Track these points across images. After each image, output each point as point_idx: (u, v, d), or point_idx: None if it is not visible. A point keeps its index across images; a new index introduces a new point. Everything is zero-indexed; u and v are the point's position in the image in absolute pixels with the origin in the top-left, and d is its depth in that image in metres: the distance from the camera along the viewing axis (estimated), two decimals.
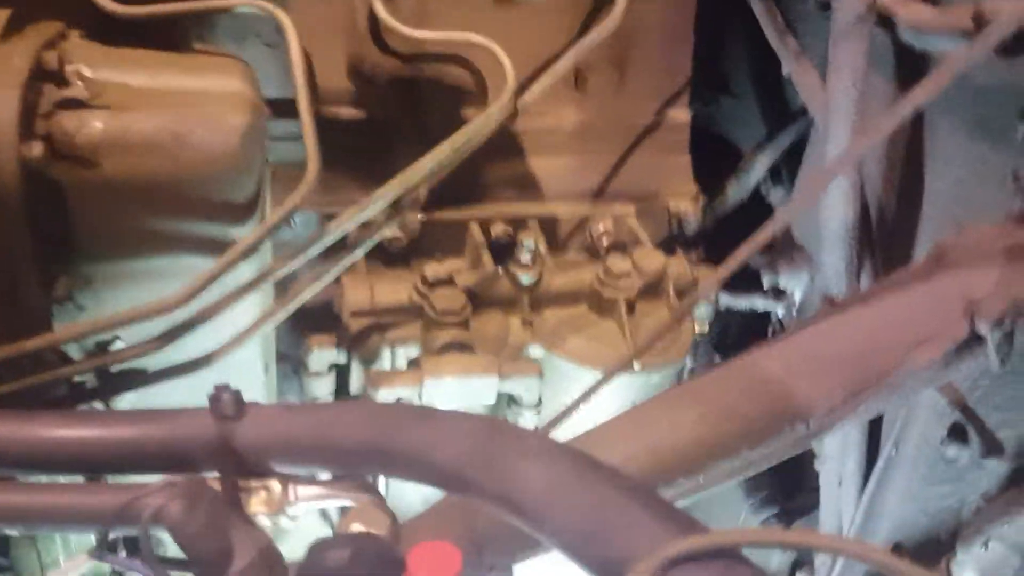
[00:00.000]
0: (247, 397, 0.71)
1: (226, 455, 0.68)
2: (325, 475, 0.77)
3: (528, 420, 1.02)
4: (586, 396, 0.88)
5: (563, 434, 0.84)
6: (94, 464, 0.70)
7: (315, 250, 0.85)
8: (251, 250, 0.78)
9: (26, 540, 0.93)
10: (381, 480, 1.04)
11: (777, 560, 1.13)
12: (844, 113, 0.95)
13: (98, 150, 0.73)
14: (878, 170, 1.03)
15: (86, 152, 0.73)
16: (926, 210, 0.98)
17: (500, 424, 0.59)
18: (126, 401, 0.86)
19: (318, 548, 0.60)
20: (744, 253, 0.84)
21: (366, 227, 0.95)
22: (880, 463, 1.00)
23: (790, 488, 1.16)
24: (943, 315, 0.75)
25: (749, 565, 0.44)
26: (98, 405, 0.82)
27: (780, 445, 0.74)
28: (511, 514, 0.55)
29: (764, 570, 0.44)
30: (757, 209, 1.30)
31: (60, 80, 0.74)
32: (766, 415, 0.74)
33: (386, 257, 1.13)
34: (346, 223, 0.85)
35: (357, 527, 0.64)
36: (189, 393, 0.72)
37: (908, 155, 1.01)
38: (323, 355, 1.00)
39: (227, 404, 0.68)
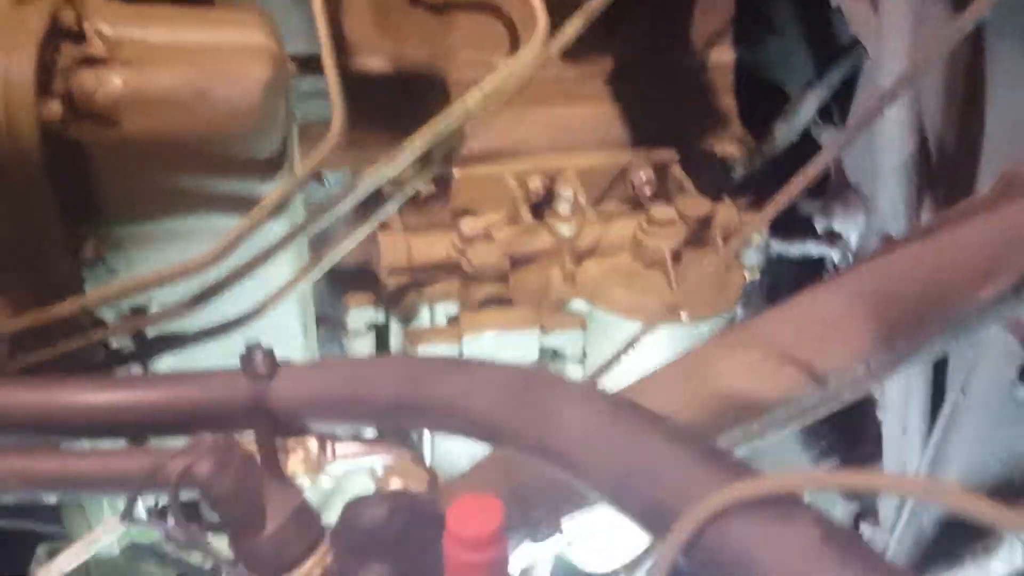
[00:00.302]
0: (287, 358, 0.69)
1: (260, 415, 0.66)
2: (368, 433, 0.75)
3: (573, 373, 0.99)
4: (630, 346, 0.84)
5: (609, 387, 0.81)
6: (128, 428, 0.69)
7: (346, 205, 0.82)
8: (279, 207, 0.76)
9: (76, 506, 0.93)
10: (427, 438, 1.03)
11: (840, 511, 1.09)
12: (898, 39, 0.89)
13: (118, 108, 0.71)
14: (936, 99, 0.97)
15: (106, 110, 0.71)
16: (989, 139, 0.92)
17: (535, 372, 0.56)
18: (165, 365, 0.85)
19: (354, 506, 0.58)
20: (794, 188, 0.80)
21: (399, 183, 0.92)
22: (947, 408, 0.95)
23: (851, 438, 1.12)
24: (1011, 245, 0.69)
25: (809, 510, 0.40)
26: (136, 370, 0.81)
27: (838, 389, 0.70)
28: (550, 463, 0.52)
29: (827, 515, 0.40)
30: (808, 152, 1.24)
31: (78, 37, 0.72)
32: (823, 357, 0.70)
33: (423, 213, 1.10)
34: (376, 176, 0.82)
35: (395, 484, 0.62)
36: (228, 355, 0.71)
37: (968, 83, 0.95)
38: (361, 314, 0.98)
39: (259, 363, 0.66)
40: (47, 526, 1.11)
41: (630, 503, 0.46)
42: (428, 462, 1.03)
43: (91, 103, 0.71)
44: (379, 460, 0.68)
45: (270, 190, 0.77)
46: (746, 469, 0.44)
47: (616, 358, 0.83)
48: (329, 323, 1.11)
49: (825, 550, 0.37)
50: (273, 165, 0.78)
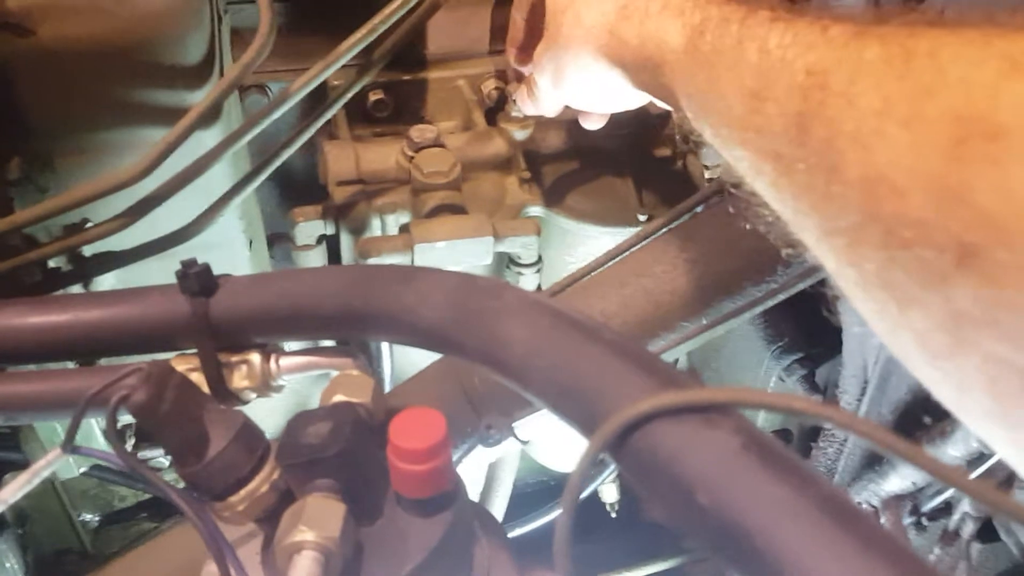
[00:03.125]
0: (244, 274, 0.67)
1: (202, 331, 0.65)
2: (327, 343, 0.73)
3: (530, 279, 0.98)
4: (599, 264, 0.81)
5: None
6: (67, 350, 0.67)
7: (281, 111, 0.79)
8: (210, 115, 0.73)
9: (30, 432, 0.92)
10: (385, 345, 1.02)
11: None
12: None
13: (32, 15, 0.68)
14: None
15: (20, 18, 0.67)
16: None
17: (478, 280, 0.54)
18: (107, 285, 0.83)
19: (296, 423, 0.57)
20: None
21: (341, 88, 0.89)
22: None
23: (813, 333, 1.12)
24: None
25: (733, 420, 0.40)
26: (76, 290, 0.79)
27: (787, 278, 0.69)
28: (496, 372, 0.52)
29: (751, 423, 0.40)
30: None
31: None
32: (771, 247, 0.69)
33: (373, 124, 1.07)
34: (311, 79, 0.79)
35: (339, 397, 0.60)
36: (173, 273, 0.69)
37: None
38: (309, 228, 0.95)
39: (195, 278, 0.64)
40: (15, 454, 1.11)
41: (570, 413, 0.46)
42: (388, 367, 1.02)
43: (3, 11, 0.67)
44: (325, 371, 0.67)
45: (201, 99, 0.74)
46: (680, 380, 0.43)
47: (584, 272, 0.80)
48: (284, 241, 1.09)
49: (743, 457, 0.37)
50: (202, 72, 0.75)
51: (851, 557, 0.34)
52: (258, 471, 0.57)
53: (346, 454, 0.54)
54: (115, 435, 0.56)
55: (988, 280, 0.32)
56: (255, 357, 0.66)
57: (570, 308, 0.50)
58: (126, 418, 0.61)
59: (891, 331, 0.39)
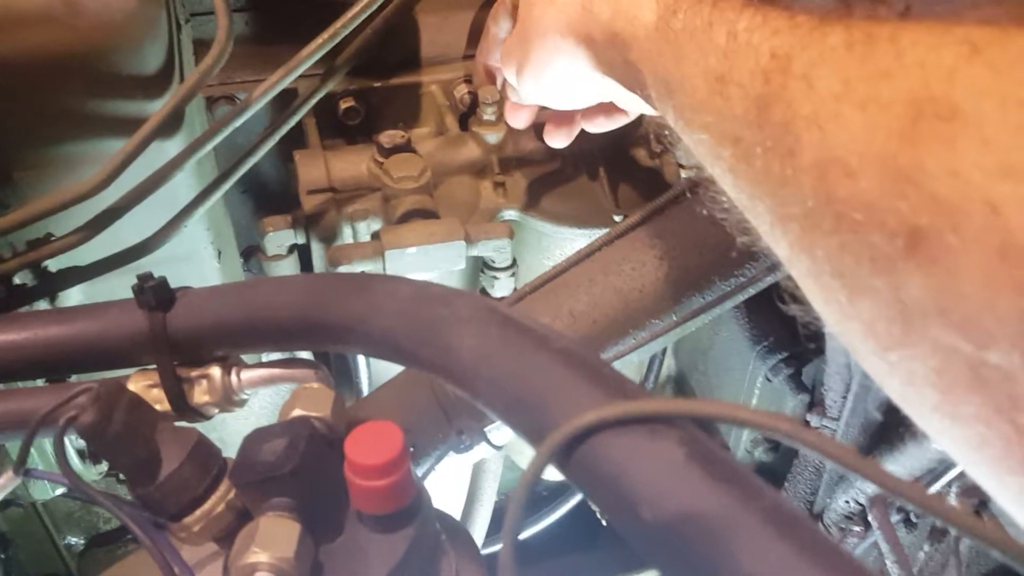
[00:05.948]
0: (203, 286, 0.66)
1: (160, 345, 0.64)
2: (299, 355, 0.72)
3: (505, 283, 0.97)
4: (569, 264, 0.80)
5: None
6: (30, 368, 0.66)
7: (244, 117, 0.78)
8: (169, 123, 0.72)
9: (3, 453, 0.91)
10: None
11: (791, 403, 1.09)
12: None
13: None
14: None
15: None
16: None
17: (431, 288, 0.53)
18: (74, 300, 0.82)
19: (251, 440, 0.55)
20: None
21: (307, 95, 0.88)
22: None
23: (798, 332, 1.11)
24: None
25: (678, 431, 0.39)
26: (42, 306, 0.78)
27: (755, 272, 0.68)
28: (447, 381, 0.51)
29: (698, 432, 0.39)
30: None
31: None
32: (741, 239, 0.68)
33: (346, 134, 1.07)
34: (275, 84, 0.79)
35: (297, 412, 0.59)
36: None
37: None
38: (279, 236, 0.94)
39: (151, 292, 0.63)
40: None
41: (518, 423, 0.46)
42: (364, 376, 1.01)
43: None
44: (287, 383, 0.66)
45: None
46: (628, 389, 0.43)
47: (555, 273, 0.79)
48: (259, 253, 1.08)
49: (687, 469, 0.37)
50: (161, 82, 0.74)
51: (795, 567, 0.33)
52: (213, 490, 0.56)
53: (301, 471, 0.52)
54: (63, 456, 0.55)
55: (937, 266, 0.32)
56: (215, 371, 0.65)
57: (522, 315, 0.49)
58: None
59: (840, 321, 0.39)
